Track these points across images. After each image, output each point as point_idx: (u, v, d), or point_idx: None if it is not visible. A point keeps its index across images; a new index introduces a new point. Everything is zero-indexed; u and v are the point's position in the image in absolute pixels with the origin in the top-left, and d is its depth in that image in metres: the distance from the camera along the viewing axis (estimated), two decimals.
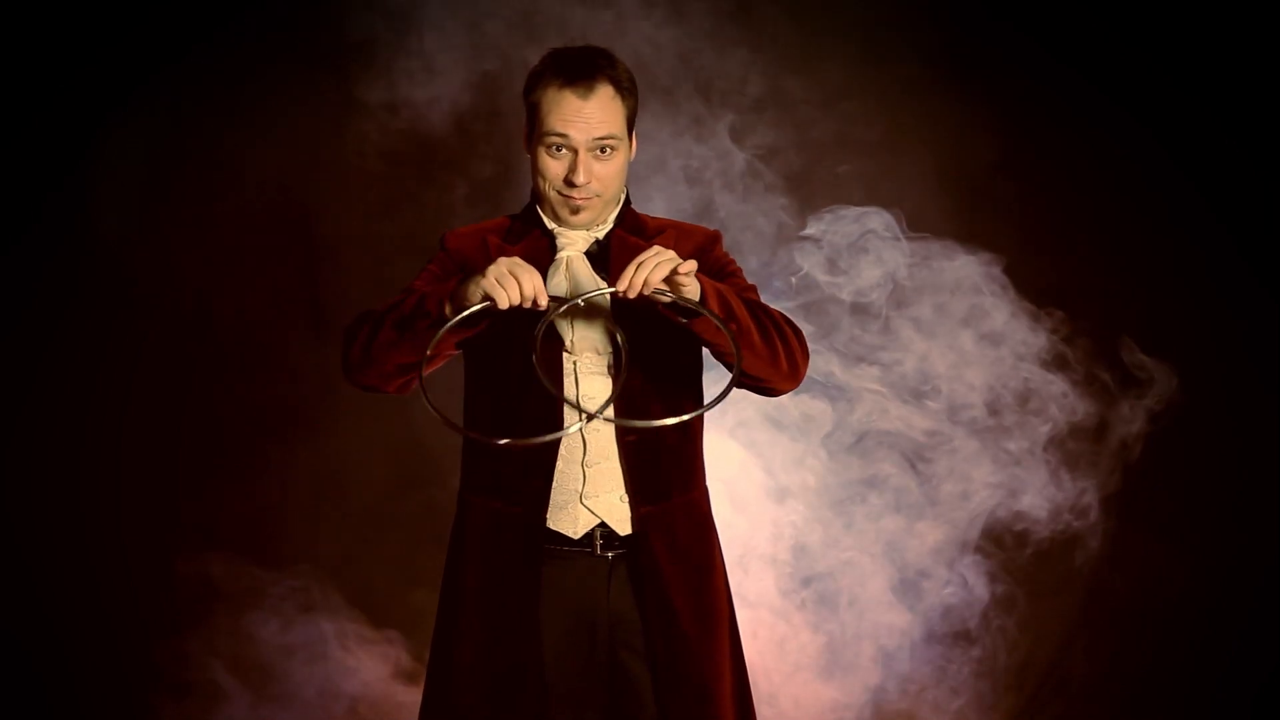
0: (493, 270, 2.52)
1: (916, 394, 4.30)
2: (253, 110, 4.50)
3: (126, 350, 4.47)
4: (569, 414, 2.70)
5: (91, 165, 4.43)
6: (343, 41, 4.47)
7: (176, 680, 4.39)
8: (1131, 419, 4.29)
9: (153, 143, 4.48)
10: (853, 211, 4.24)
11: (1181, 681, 4.38)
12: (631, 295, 2.52)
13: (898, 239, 4.25)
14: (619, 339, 2.61)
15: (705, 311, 2.55)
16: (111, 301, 4.47)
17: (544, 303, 2.56)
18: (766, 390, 2.73)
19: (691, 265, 2.53)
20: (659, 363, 2.73)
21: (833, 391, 4.31)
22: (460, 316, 2.56)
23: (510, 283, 2.51)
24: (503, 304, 2.51)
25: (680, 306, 2.56)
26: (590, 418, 2.57)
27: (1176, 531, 4.41)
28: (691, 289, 2.55)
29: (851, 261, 4.25)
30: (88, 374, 4.44)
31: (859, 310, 4.31)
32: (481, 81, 4.48)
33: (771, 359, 2.67)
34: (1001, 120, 4.49)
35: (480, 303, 2.54)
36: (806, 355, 2.74)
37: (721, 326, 2.55)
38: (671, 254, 2.53)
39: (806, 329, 3.35)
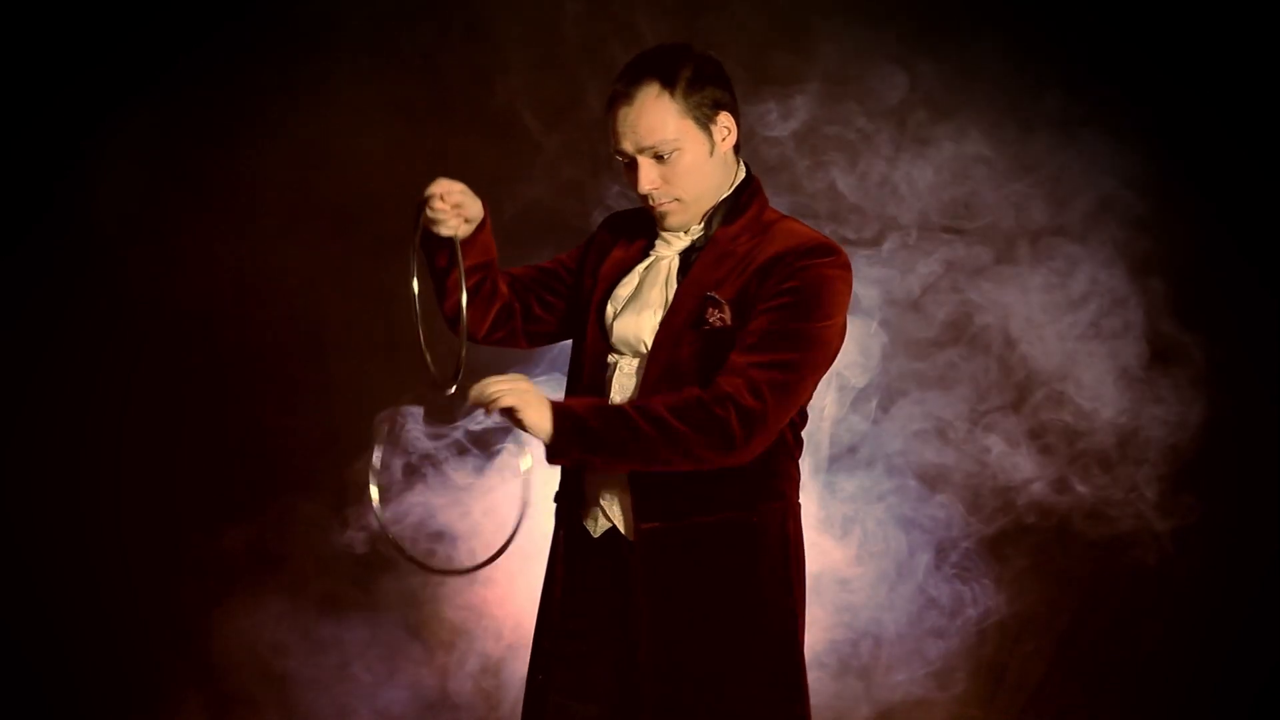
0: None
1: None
2: (252, 110, 4.51)
3: (126, 350, 4.48)
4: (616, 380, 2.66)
5: (91, 165, 4.43)
6: (341, 41, 4.48)
7: (177, 681, 4.40)
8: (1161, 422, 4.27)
9: (153, 143, 4.49)
10: None
11: (1181, 681, 4.38)
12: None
13: None
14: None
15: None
16: (111, 301, 4.47)
17: (429, 208, 2.67)
18: None
19: (517, 405, 2.46)
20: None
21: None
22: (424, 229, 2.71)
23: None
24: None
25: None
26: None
27: (1178, 532, 4.40)
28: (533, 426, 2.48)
29: None
30: (88, 374, 4.45)
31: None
32: (480, 80, 4.49)
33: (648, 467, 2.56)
34: None
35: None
36: (729, 452, 2.50)
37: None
38: (516, 393, 2.46)
39: None
